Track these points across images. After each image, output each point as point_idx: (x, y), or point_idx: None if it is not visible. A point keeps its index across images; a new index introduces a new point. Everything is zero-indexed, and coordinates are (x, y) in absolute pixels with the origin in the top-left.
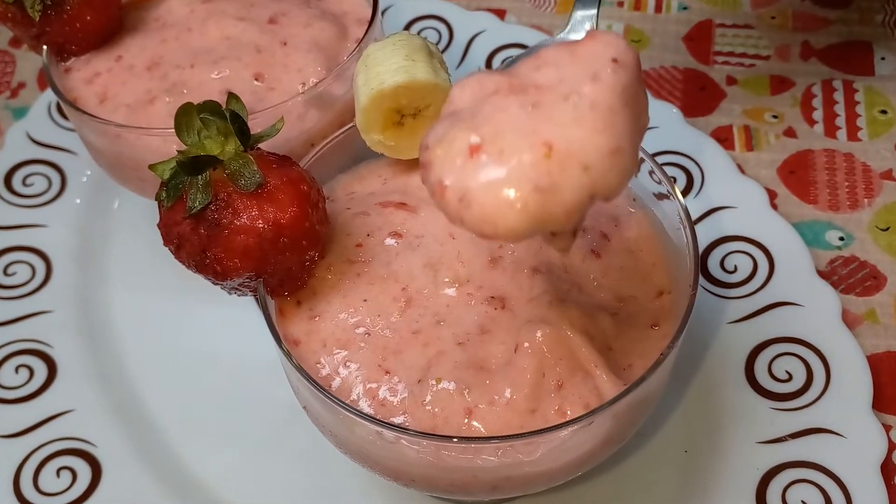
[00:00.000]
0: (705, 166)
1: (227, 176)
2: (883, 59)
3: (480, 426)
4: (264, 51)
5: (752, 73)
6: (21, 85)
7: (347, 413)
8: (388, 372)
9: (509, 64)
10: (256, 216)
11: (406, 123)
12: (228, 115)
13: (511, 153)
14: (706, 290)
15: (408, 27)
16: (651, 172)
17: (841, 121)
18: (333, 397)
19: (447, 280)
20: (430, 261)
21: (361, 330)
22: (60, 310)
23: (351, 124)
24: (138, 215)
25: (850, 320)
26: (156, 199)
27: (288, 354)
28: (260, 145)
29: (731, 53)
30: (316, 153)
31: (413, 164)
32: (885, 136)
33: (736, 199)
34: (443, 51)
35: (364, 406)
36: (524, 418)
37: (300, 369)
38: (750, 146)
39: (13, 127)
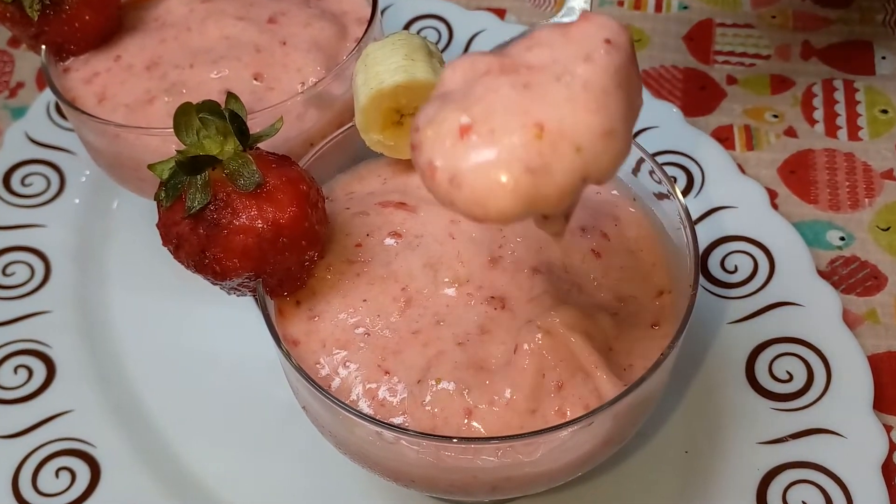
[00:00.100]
0: (705, 166)
1: (227, 176)
2: (884, 58)
3: (480, 426)
4: (263, 50)
5: (753, 73)
6: (20, 85)
7: (347, 413)
8: (387, 372)
9: (502, 46)
10: (255, 216)
11: (405, 123)
12: (227, 115)
13: (502, 133)
14: (706, 290)
15: (407, 26)
16: (651, 172)
17: (842, 120)
18: (333, 398)
19: (447, 280)
20: (429, 261)
21: (361, 330)
22: (59, 310)
23: (350, 124)
24: (137, 215)
25: (850, 320)
26: (155, 199)
27: (287, 355)
28: (259, 145)
29: (731, 53)
30: (315, 153)
31: (412, 164)
32: (885, 135)
33: (736, 198)
34: (442, 50)
35: (363, 406)
36: (524, 419)
37: (299, 369)
38: (750, 146)
39: (12, 127)
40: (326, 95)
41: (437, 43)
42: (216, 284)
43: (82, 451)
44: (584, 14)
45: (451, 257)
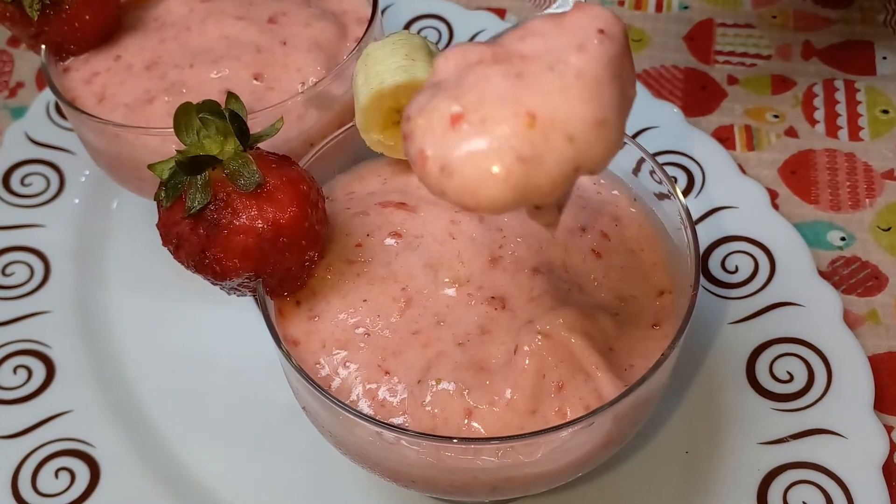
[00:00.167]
0: (706, 166)
1: (227, 176)
2: (884, 58)
3: (480, 427)
4: (264, 50)
5: (753, 73)
6: (19, 84)
7: (347, 414)
8: (387, 372)
9: (496, 37)
10: (256, 216)
11: None
12: (228, 115)
13: (494, 122)
14: (707, 290)
15: (408, 26)
16: (652, 172)
17: (842, 120)
18: (333, 398)
19: (447, 280)
20: (429, 261)
21: (361, 330)
22: (59, 310)
23: (350, 124)
24: (137, 215)
25: (851, 321)
26: (155, 199)
27: (287, 355)
28: (259, 145)
29: (732, 53)
30: (315, 153)
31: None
32: (886, 135)
33: (737, 199)
34: (442, 50)
35: (364, 407)
36: (524, 419)
37: (299, 370)
38: (751, 146)
39: (11, 127)
40: (326, 95)
41: (437, 43)
42: (216, 284)
43: (82, 452)
44: (577, 4)
45: (451, 257)
